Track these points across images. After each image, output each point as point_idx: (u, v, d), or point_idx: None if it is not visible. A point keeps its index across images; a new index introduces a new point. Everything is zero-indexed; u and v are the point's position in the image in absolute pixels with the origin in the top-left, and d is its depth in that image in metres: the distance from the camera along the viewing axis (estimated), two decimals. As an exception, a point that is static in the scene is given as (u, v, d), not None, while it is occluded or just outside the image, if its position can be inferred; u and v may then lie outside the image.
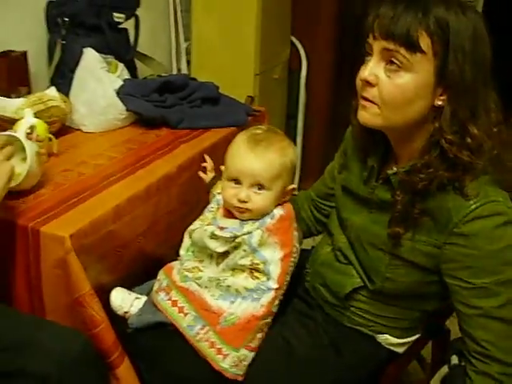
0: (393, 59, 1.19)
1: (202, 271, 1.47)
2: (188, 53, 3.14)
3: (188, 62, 3.15)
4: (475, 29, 1.18)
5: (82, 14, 2.22)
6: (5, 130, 1.58)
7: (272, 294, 1.41)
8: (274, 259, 1.41)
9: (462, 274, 1.24)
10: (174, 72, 3.16)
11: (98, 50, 2.08)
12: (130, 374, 1.47)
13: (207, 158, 1.74)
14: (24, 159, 1.48)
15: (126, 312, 1.51)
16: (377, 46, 1.21)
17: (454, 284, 1.26)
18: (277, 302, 1.43)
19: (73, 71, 2.08)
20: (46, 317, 1.45)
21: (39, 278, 1.43)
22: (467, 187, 1.20)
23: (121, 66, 2.19)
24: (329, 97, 3.47)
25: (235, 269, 1.42)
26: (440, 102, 1.20)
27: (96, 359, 1.36)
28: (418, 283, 1.34)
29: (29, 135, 1.58)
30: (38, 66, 2.28)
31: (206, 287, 1.44)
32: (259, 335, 1.43)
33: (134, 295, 1.53)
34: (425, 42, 1.16)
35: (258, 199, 1.41)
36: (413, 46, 1.16)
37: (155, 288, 1.51)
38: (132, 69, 2.39)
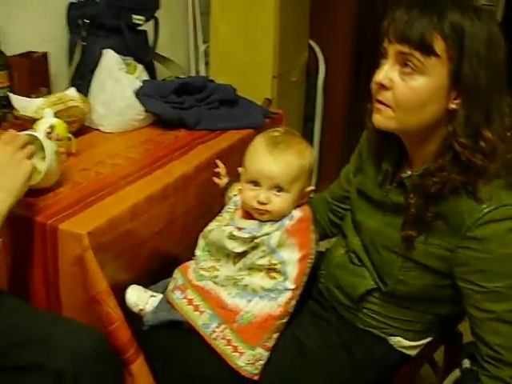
0: (407, 63, 1.19)
1: (218, 270, 1.48)
2: (206, 55, 3.16)
3: (206, 64, 3.17)
4: (490, 33, 1.18)
5: (102, 16, 2.25)
6: (25, 130, 1.60)
7: (289, 294, 1.42)
8: (292, 260, 1.42)
9: (474, 278, 1.24)
10: (193, 74, 3.18)
11: (117, 52, 2.11)
12: (145, 371, 1.48)
13: (219, 163, 1.75)
14: (43, 158, 1.50)
15: (141, 309, 1.52)
16: (392, 49, 1.22)
17: (466, 287, 1.26)
18: (293, 302, 1.45)
19: (92, 72, 2.10)
20: (63, 313, 1.47)
21: (57, 275, 1.45)
22: (480, 191, 1.20)
23: (140, 67, 2.21)
24: (346, 100, 3.48)
25: (252, 268, 1.44)
26: (454, 106, 1.20)
27: (111, 356, 1.38)
28: (431, 286, 1.34)
29: (48, 134, 1.60)
30: (58, 66, 2.31)
31: (222, 285, 1.46)
32: (275, 335, 1.44)
33: (149, 293, 1.54)
34: (439, 46, 1.16)
35: (277, 201, 1.42)
36: (427, 50, 1.17)
37: (170, 287, 1.52)
38: (151, 70, 2.41)
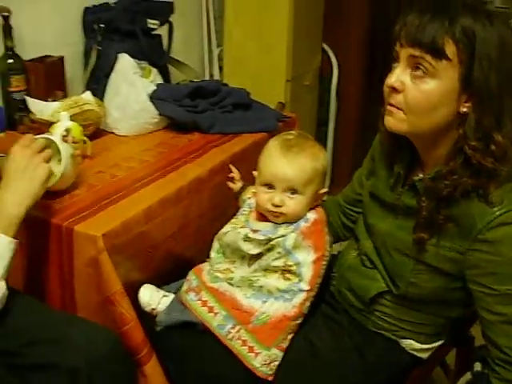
0: (419, 66, 1.20)
1: (233, 272, 1.50)
2: (220, 59, 3.17)
3: (220, 68, 3.18)
4: (502, 38, 1.19)
5: (117, 20, 2.27)
6: (42, 133, 1.62)
7: (303, 295, 1.44)
8: (307, 262, 1.43)
9: (485, 281, 1.24)
10: (207, 77, 3.19)
11: (132, 56, 2.13)
12: (158, 372, 1.49)
13: (233, 168, 1.77)
14: (59, 161, 1.51)
15: (153, 309, 1.53)
16: (403, 53, 1.23)
17: (477, 290, 1.27)
18: (308, 303, 1.46)
19: (107, 76, 2.12)
20: (77, 313, 1.49)
21: (71, 276, 1.47)
22: (492, 194, 1.21)
23: (154, 71, 2.23)
24: (359, 104, 3.48)
25: (267, 270, 1.45)
26: (465, 109, 1.21)
27: (124, 356, 1.39)
28: (442, 289, 1.35)
29: (64, 137, 1.63)
30: (74, 70, 2.34)
31: (238, 286, 1.47)
32: (290, 336, 1.45)
33: (162, 293, 1.56)
34: (450, 50, 1.17)
35: (292, 203, 1.44)
36: (438, 53, 1.17)
37: (184, 288, 1.54)
38: (165, 74, 2.43)
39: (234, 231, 1.51)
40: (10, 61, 2.03)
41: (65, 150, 1.53)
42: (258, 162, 1.50)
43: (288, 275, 1.43)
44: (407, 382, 1.51)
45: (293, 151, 1.43)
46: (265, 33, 2.93)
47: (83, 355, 1.28)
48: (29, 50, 2.13)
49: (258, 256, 1.46)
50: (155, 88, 2.10)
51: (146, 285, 1.55)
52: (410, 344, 1.46)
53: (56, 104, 1.97)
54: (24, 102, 2.00)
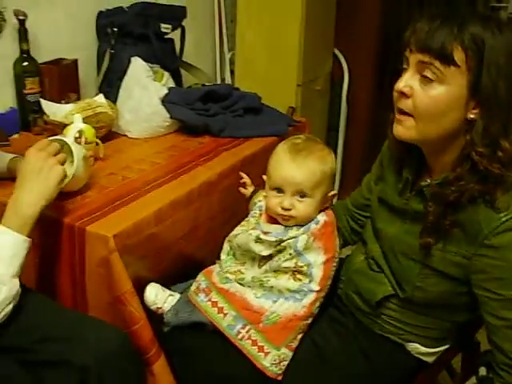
0: (427, 71, 1.21)
1: (243, 274, 1.51)
2: (232, 63, 3.19)
3: (232, 72, 3.20)
4: (511, 46, 1.20)
5: (130, 24, 2.30)
6: (55, 134, 1.65)
7: (314, 295, 1.45)
8: (317, 263, 1.45)
9: (491, 286, 1.25)
10: (218, 81, 3.21)
11: (144, 59, 2.15)
12: (166, 371, 1.51)
13: (243, 174, 1.78)
14: (72, 162, 1.53)
15: (158, 308, 1.55)
16: (413, 58, 1.25)
17: (483, 295, 1.27)
18: (318, 303, 1.48)
19: (120, 79, 2.15)
20: (88, 312, 1.51)
21: (83, 275, 1.49)
22: (498, 200, 1.21)
23: (166, 74, 2.25)
24: (370, 109, 3.48)
25: (278, 271, 1.47)
26: (472, 116, 1.22)
27: (134, 355, 1.41)
28: (448, 293, 1.36)
29: (77, 139, 1.65)
30: (88, 73, 2.37)
31: (248, 286, 1.49)
32: (299, 336, 1.47)
33: (168, 292, 1.57)
34: (459, 56, 1.18)
35: (301, 206, 1.45)
36: (447, 59, 1.19)
37: (193, 288, 1.55)
38: (177, 78, 2.46)
39: (245, 233, 1.53)
40: (25, 63, 2.06)
41: (77, 151, 1.55)
42: (268, 166, 1.51)
43: (299, 276, 1.45)
44: (413, 385, 1.53)
45: (301, 155, 1.45)
46: (276, 37, 2.94)
47: (93, 353, 1.29)
48: (43, 53, 2.16)
49: (269, 257, 1.47)
50: (167, 91, 2.12)
51: (152, 283, 1.57)
52: (415, 348, 1.47)
53: (69, 106, 1.99)
54: (38, 103, 2.03)
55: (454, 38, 1.18)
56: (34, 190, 1.37)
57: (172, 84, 2.25)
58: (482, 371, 1.34)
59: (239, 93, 2.30)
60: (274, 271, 1.47)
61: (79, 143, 1.64)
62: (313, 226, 1.46)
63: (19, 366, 1.32)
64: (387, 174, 1.52)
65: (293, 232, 1.45)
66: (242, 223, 1.60)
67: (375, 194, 1.58)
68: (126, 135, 2.09)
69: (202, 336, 1.51)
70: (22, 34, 2.04)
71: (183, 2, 2.56)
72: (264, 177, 1.55)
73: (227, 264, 1.55)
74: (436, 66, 1.20)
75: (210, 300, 1.51)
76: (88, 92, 2.34)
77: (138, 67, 2.13)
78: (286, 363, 1.44)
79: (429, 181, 1.35)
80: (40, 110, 2.02)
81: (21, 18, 2.01)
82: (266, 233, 1.48)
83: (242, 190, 1.75)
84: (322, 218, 1.48)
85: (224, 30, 3.18)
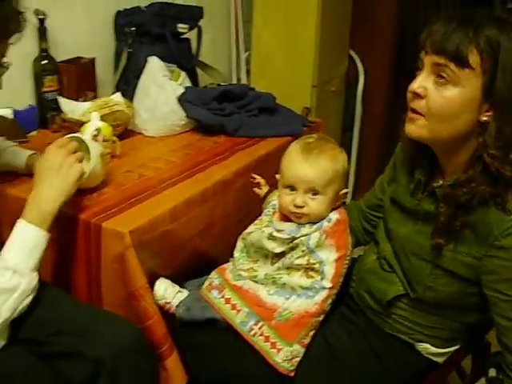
0: (442, 73, 1.22)
1: (256, 271, 1.53)
2: (247, 63, 3.19)
3: (247, 72, 3.21)
4: None
5: (148, 24, 2.32)
6: (72, 132, 1.67)
7: (326, 292, 1.47)
8: (330, 260, 1.46)
9: (501, 287, 1.26)
10: (234, 81, 3.22)
11: (161, 59, 2.17)
12: (178, 366, 1.53)
13: (256, 176, 1.78)
14: (89, 160, 1.55)
15: (167, 302, 1.56)
16: (428, 60, 1.26)
17: (493, 296, 1.28)
18: (330, 300, 1.49)
19: (137, 78, 2.17)
20: (103, 307, 1.53)
21: (98, 271, 1.51)
22: (509, 202, 1.22)
23: (183, 74, 2.27)
24: (385, 111, 3.48)
25: (290, 268, 1.48)
26: (485, 118, 1.23)
27: (147, 350, 1.43)
28: (458, 294, 1.36)
29: (95, 137, 1.67)
30: (105, 72, 2.39)
31: (261, 284, 1.51)
32: (311, 332, 1.49)
33: (176, 288, 1.59)
34: (474, 59, 1.19)
35: (314, 204, 1.47)
36: (462, 62, 1.20)
37: (206, 285, 1.57)
38: (193, 77, 2.47)
39: (258, 231, 1.54)
40: (44, 62, 2.09)
41: (95, 148, 1.57)
42: (280, 165, 1.53)
43: (311, 273, 1.47)
44: (423, 385, 1.53)
45: (313, 153, 1.47)
46: (292, 38, 2.95)
47: (108, 347, 1.32)
48: (62, 52, 2.19)
49: (281, 255, 1.49)
50: (183, 91, 2.13)
51: (161, 278, 1.58)
52: (425, 348, 1.47)
53: (87, 104, 2.02)
54: (56, 101, 2.05)
55: (470, 41, 1.19)
56: (53, 186, 1.40)
57: (188, 83, 2.27)
58: (492, 372, 1.34)
59: (254, 93, 2.31)
60: (287, 268, 1.48)
61: (97, 141, 1.66)
62: (325, 223, 1.48)
63: (36, 358, 1.35)
64: (400, 175, 1.53)
65: (305, 229, 1.47)
66: (256, 221, 1.62)
67: (388, 194, 1.58)
68: (142, 133, 2.11)
69: (214, 332, 1.53)
70: (42, 32, 2.06)
71: (200, 3, 2.58)
72: (277, 176, 1.56)
73: (240, 261, 1.57)
74: (451, 68, 1.21)
75: (223, 297, 1.52)
76: (105, 90, 2.36)
77: (154, 66, 2.15)
78: (298, 359, 1.46)
79: (441, 182, 1.36)
80: (58, 108, 2.04)
81: (41, 17, 2.04)
82: (279, 230, 1.49)
83: (256, 190, 1.77)
84: (334, 216, 1.50)
85: (240, 31, 3.18)
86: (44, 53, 2.09)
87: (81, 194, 1.57)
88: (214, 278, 1.58)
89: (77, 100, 2.09)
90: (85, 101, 2.09)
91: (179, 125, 2.11)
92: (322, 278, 1.46)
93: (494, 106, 1.21)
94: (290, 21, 2.93)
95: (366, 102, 3.48)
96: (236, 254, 1.60)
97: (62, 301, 1.47)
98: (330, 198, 1.48)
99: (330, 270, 1.46)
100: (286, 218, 1.52)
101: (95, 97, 2.21)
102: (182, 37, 2.45)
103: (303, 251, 1.46)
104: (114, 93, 2.17)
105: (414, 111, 1.29)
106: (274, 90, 2.37)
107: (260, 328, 1.47)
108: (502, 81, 1.19)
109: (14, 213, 1.42)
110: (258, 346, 1.46)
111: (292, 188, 1.48)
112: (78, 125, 1.85)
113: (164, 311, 1.55)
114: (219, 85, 2.42)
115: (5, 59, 1.38)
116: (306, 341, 1.48)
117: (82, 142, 1.55)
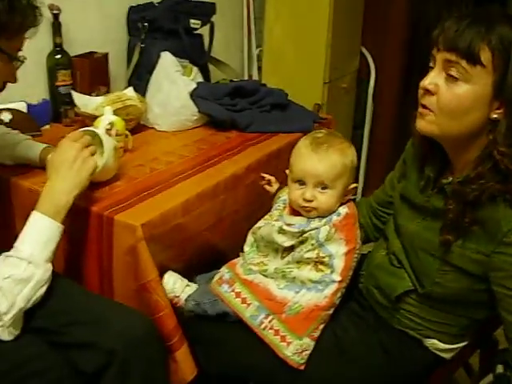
0: (453, 70, 1.23)
1: (266, 265, 1.54)
2: (259, 59, 3.20)
3: (259, 68, 3.21)
4: None
5: (160, 20, 2.33)
6: (85, 126, 1.69)
7: (335, 286, 1.48)
8: (339, 254, 1.47)
9: (509, 283, 1.26)
10: (246, 77, 3.23)
11: (174, 54, 2.18)
12: (188, 358, 1.54)
13: (265, 174, 1.79)
14: (102, 153, 1.57)
15: (176, 296, 1.57)
16: (440, 57, 1.26)
17: (501, 292, 1.29)
18: (339, 294, 1.50)
19: (150, 73, 2.18)
20: (114, 299, 1.54)
21: (110, 263, 1.53)
22: None
23: (195, 69, 2.28)
24: (396, 108, 3.48)
25: (300, 261, 1.49)
26: (496, 116, 1.23)
27: (158, 341, 1.44)
28: (466, 290, 1.37)
29: (108, 131, 1.69)
30: (118, 67, 2.41)
31: (271, 278, 1.51)
32: (321, 326, 1.49)
33: (185, 281, 1.60)
34: (485, 56, 1.20)
35: (323, 198, 1.48)
36: (473, 59, 1.20)
37: (216, 279, 1.58)
38: (205, 73, 2.48)
39: (268, 225, 1.56)
40: (58, 56, 2.11)
41: (108, 142, 1.59)
42: (290, 160, 1.54)
43: (320, 266, 1.47)
44: (430, 381, 1.54)
45: (322, 148, 1.48)
46: (304, 35, 2.95)
47: (120, 338, 1.34)
48: (75, 47, 2.21)
49: (291, 248, 1.50)
50: (196, 86, 2.14)
51: (170, 272, 1.59)
52: (433, 343, 1.48)
53: (100, 99, 2.04)
54: (69, 95, 2.07)
55: (482, 39, 1.20)
56: (67, 179, 1.42)
57: (200, 79, 2.28)
58: (499, 369, 1.35)
59: (266, 89, 2.32)
60: (297, 262, 1.49)
61: (110, 135, 1.68)
62: (334, 217, 1.49)
63: (48, 347, 1.37)
64: (410, 172, 1.53)
65: (315, 223, 1.48)
66: (266, 216, 1.63)
67: (397, 191, 1.59)
68: (154, 128, 2.12)
69: (224, 326, 1.54)
70: (56, 27, 2.08)
71: (213, -1, 2.59)
72: (287, 171, 1.57)
73: (250, 256, 1.58)
74: (462, 65, 1.22)
75: (233, 291, 1.54)
76: (118, 85, 2.38)
77: (167, 62, 2.16)
78: (308, 353, 1.47)
79: (450, 178, 1.36)
80: (71, 102, 2.06)
81: (55, 12, 2.06)
82: (289, 224, 1.51)
83: (266, 187, 1.78)
84: (343, 210, 1.51)
85: (252, 27, 3.19)
86: (58, 47, 2.11)
87: (93, 187, 1.59)
88: (224, 272, 1.59)
89: (90, 94, 2.11)
90: (98, 95, 2.11)
91: (191, 120, 2.12)
92: (331, 272, 1.47)
93: (505, 104, 1.22)
94: (302, 18, 2.94)
95: (377, 98, 3.47)
96: (246, 248, 1.61)
97: (75, 292, 1.48)
98: (338, 192, 1.49)
99: (339, 263, 1.47)
100: (296, 212, 1.54)
101: (108, 91, 2.24)
102: (194, 32, 2.47)
103: (313, 245, 1.47)
104: (126, 87, 2.19)
105: (425, 107, 1.29)
106: (285, 87, 2.37)
107: (270, 321, 1.48)
108: None
109: (27, 205, 1.44)
110: (268, 339, 1.47)
111: (301, 182, 1.50)
112: (90, 119, 1.87)
113: (172, 304, 1.56)
114: (231, 81, 2.43)
115: (20, 53, 1.40)
116: (316, 334, 1.48)
117: (95, 135, 1.57)
